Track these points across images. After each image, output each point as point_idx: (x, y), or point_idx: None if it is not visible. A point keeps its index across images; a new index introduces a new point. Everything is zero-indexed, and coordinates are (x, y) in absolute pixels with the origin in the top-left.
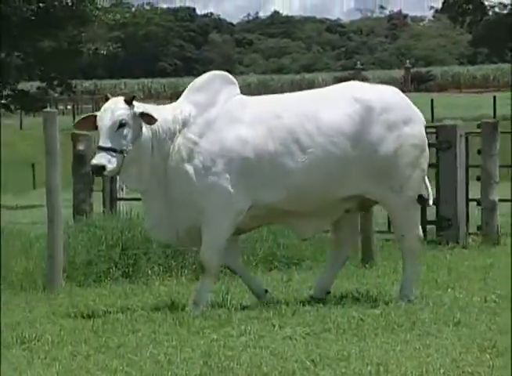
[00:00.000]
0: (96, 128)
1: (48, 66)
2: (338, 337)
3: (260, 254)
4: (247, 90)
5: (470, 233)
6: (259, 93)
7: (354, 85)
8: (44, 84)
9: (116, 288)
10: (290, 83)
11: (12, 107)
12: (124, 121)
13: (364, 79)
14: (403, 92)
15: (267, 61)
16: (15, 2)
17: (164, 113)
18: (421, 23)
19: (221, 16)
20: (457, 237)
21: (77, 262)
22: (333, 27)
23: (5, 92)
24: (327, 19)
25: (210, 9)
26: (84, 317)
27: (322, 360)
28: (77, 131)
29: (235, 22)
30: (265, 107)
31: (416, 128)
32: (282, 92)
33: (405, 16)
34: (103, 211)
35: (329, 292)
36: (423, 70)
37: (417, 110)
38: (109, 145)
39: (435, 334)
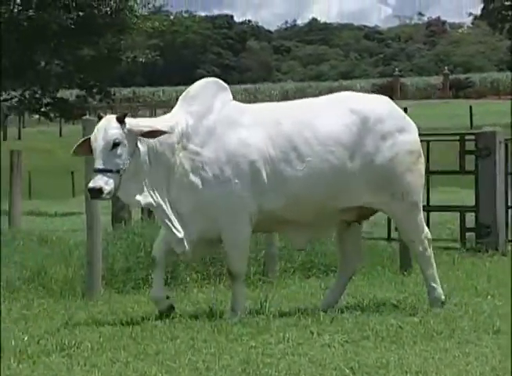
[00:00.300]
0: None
1: (87, 74)
2: (377, 344)
3: (298, 261)
4: (285, 97)
5: (509, 240)
6: None
7: (349, 96)
8: (83, 92)
9: None
10: (328, 90)
11: (52, 115)
12: (117, 141)
13: (402, 85)
14: (442, 98)
15: (305, 68)
16: (55, 11)
17: (159, 126)
18: (460, 30)
19: (259, 24)
20: (496, 244)
21: (116, 269)
22: (371, 33)
23: (44, 100)
24: (365, 26)
25: (248, 17)
26: (123, 324)
27: (361, 368)
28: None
29: (273, 29)
30: (264, 114)
31: (409, 136)
32: None
33: (444, 22)
34: (142, 218)
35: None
36: (462, 76)
37: (410, 120)
38: (104, 166)
39: (475, 341)
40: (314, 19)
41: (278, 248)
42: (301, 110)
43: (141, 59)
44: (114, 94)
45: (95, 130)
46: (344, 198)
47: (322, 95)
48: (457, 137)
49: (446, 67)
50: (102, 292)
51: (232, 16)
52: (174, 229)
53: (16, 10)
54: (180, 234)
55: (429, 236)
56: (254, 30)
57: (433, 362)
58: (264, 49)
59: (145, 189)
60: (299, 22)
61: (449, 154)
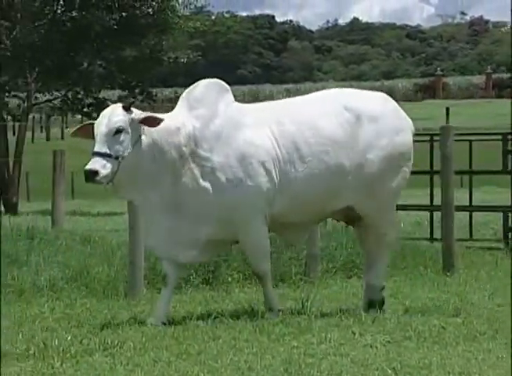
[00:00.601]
0: (94, 136)
1: (129, 75)
2: (419, 345)
3: (339, 261)
4: None
5: None
6: None
7: (344, 92)
8: (125, 93)
9: (196, 295)
10: (370, 90)
11: (95, 115)
12: (121, 127)
13: (444, 85)
14: (484, 98)
15: (346, 68)
16: (97, 11)
17: (165, 123)
18: (503, 29)
19: (301, 24)
20: None
21: (158, 268)
22: (413, 33)
23: (87, 101)
24: (407, 25)
25: (290, 17)
26: (165, 324)
27: (403, 368)
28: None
29: (314, 29)
30: (265, 114)
31: (405, 137)
32: None
33: (487, 21)
34: None
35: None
36: (505, 75)
37: (407, 118)
38: (103, 150)
39: None
40: (355, 19)
41: (319, 248)
42: (300, 109)
43: (182, 60)
44: (156, 95)
45: (100, 116)
46: (339, 198)
47: None
48: (499, 137)
49: (489, 66)
50: (145, 292)
51: (273, 16)
52: (151, 236)
53: (59, 11)
54: (148, 240)
55: (398, 226)
56: (296, 30)
57: (476, 363)
58: (305, 49)
59: (140, 185)
60: (340, 21)
61: (492, 154)
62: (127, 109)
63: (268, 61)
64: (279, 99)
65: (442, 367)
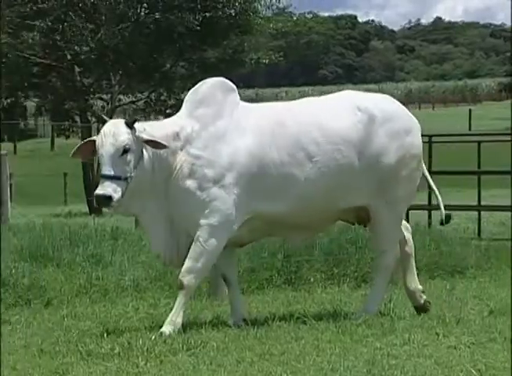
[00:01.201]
0: (95, 154)
1: (211, 76)
2: (504, 347)
3: (422, 262)
4: (408, 97)
5: None
6: (420, 100)
7: (354, 94)
8: None
9: (278, 295)
10: (452, 90)
11: None
12: (127, 147)
13: None
14: None
15: (428, 67)
16: (180, 13)
17: (164, 131)
18: None
19: (383, 23)
20: None
21: (240, 269)
22: (497, 31)
23: (170, 102)
24: (491, 24)
25: (372, 17)
26: (247, 324)
27: (488, 370)
28: None
29: (396, 29)
30: (269, 115)
31: (415, 138)
32: (444, 98)
33: None
34: None
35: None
36: None
37: (415, 120)
38: (113, 173)
39: None
40: (438, 18)
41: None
42: (307, 110)
43: (264, 61)
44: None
45: (102, 134)
46: (347, 198)
47: (446, 94)
48: None
49: None
50: (227, 292)
51: (355, 17)
52: (152, 241)
53: (142, 13)
54: (154, 250)
55: (398, 251)
56: (378, 30)
57: None
58: (387, 49)
59: (143, 197)
60: (423, 21)
61: None
62: (130, 126)
63: (350, 61)
64: None
65: None
